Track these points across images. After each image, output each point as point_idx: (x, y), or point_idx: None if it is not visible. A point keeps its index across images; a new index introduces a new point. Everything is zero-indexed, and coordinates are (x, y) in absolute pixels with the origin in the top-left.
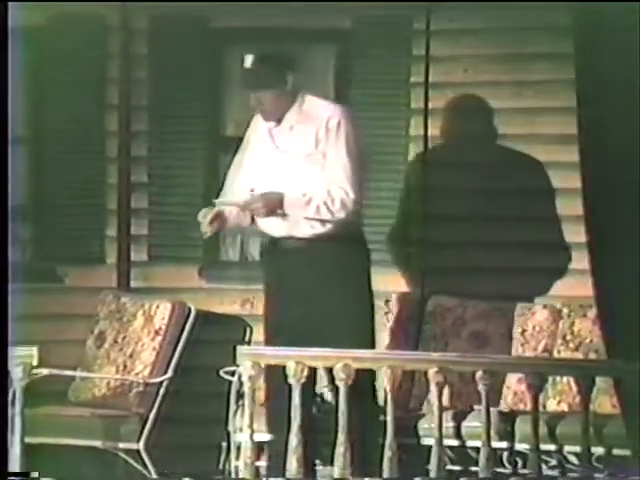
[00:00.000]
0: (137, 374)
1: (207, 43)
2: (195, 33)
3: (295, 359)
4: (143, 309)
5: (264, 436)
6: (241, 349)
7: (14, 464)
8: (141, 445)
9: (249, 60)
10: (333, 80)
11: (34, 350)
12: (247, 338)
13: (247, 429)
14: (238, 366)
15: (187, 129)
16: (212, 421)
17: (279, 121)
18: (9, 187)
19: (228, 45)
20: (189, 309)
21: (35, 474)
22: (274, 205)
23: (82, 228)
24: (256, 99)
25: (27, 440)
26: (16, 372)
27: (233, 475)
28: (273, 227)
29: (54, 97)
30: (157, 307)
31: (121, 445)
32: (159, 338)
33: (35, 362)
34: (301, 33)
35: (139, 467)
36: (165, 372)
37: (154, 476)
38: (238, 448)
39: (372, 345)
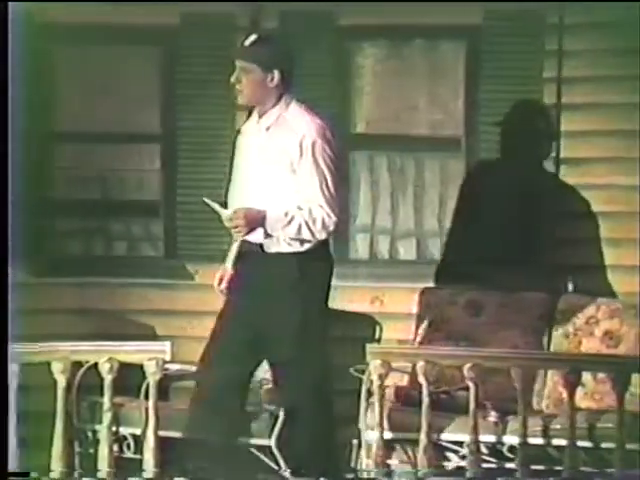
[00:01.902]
0: (267, 371)
1: (335, 40)
2: (323, 30)
3: (425, 358)
4: None
5: (394, 434)
6: (371, 347)
7: (149, 457)
8: (273, 441)
9: (249, 39)
10: (464, 77)
11: (167, 345)
12: (377, 336)
13: (377, 427)
14: (368, 364)
15: None
16: (342, 418)
17: (260, 117)
18: (9, 186)
19: (356, 42)
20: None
21: (35, 474)
22: (256, 223)
23: (209, 226)
24: (236, 76)
25: (161, 434)
26: (149, 366)
27: (365, 474)
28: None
29: (186, 96)
30: None
31: (253, 441)
32: None
33: (168, 357)
34: (430, 29)
35: (271, 463)
36: None
37: (286, 473)
38: (369, 446)
39: (321, 361)
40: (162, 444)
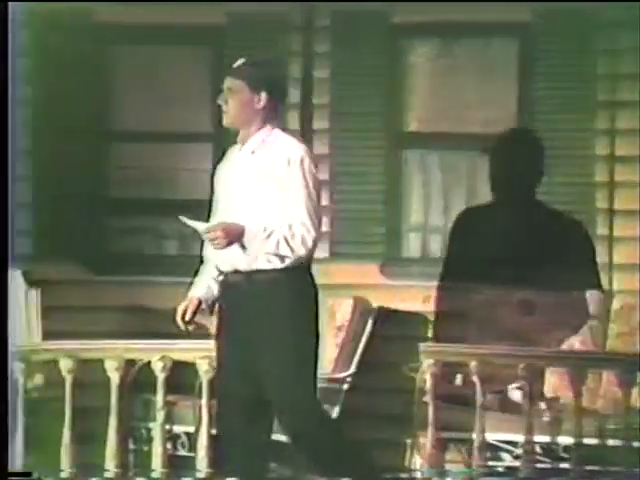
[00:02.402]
0: (321, 370)
1: (387, 39)
2: (375, 29)
3: (478, 357)
4: (325, 306)
5: (447, 434)
6: (424, 346)
7: (202, 455)
8: None
9: (240, 60)
10: (516, 74)
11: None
12: (429, 335)
13: (431, 426)
14: (421, 363)
15: (368, 126)
16: (396, 417)
17: (243, 143)
18: (9, 184)
19: (408, 40)
20: (371, 306)
21: (35, 474)
22: (234, 237)
23: None
24: (224, 96)
25: (214, 432)
26: (202, 365)
27: (418, 473)
28: (230, 261)
29: None
30: (339, 304)
31: None
32: (342, 334)
33: None
34: (482, 26)
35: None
36: (348, 368)
37: None
38: (422, 445)
39: (311, 379)
40: (215, 442)
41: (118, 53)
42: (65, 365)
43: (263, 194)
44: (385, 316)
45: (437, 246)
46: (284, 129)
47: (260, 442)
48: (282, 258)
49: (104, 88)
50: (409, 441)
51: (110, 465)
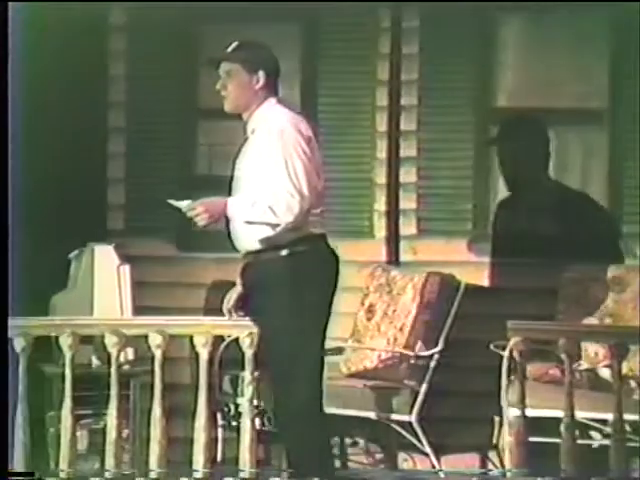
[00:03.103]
0: (407, 347)
1: (476, 12)
2: (464, 2)
3: (567, 334)
4: (413, 282)
5: (536, 412)
6: (511, 323)
7: None
8: (413, 417)
9: (232, 46)
10: (608, 48)
11: None
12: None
13: (519, 404)
14: (509, 340)
15: (456, 102)
16: (483, 395)
17: (247, 123)
18: (9, 183)
19: (497, 13)
20: (458, 282)
21: (36, 474)
22: (216, 211)
23: (351, 202)
24: (222, 82)
25: None
26: None
27: (506, 451)
28: (234, 241)
29: (327, 72)
30: (426, 280)
31: (393, 417)
32: (429, 311)
33: None
34: None
35: (412, 439)
36: (435, 345)
37: (427, 449)
38: (510, 423)
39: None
40: None
41: (208, 31)
42: (154, 340)
43: (254, 170)
44: (472, 293)
45: (525, 221)
46: (284, 101)
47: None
48: (272, 227)
49: (192, 68)
50: (497, 419)
51: (199, 438)
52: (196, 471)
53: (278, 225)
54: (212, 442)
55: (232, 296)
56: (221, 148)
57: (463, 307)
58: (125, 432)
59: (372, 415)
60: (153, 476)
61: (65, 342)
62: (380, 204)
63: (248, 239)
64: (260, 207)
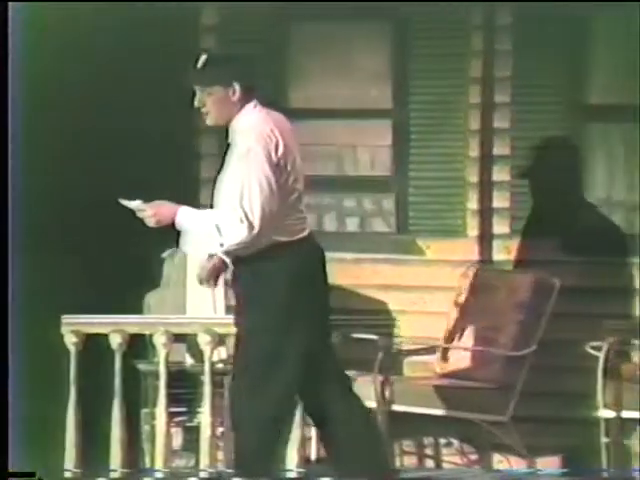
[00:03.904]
0: (501, 347)
1: (568, 9)
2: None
3: None
4: (506, 282)
5: (633, 414)
6: (607, 323)
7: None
8: (506, 417)
9: (200, 60)
10: None
11: (400, 320)
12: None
13: (614, 405)
14: (604, 340)
15: (549, 99)
16: (576, 395)
17: (229, 131)
18: (9, 182)
19: (588, 10)
20: (553, 282)
21: (36, 474)
22: (165, 216)
23: (444, 201)
24: (199, 100)
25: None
26: (381, 340)
27: (603, 452)
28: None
29: (419, 70)
30: (520, 280)
31: (486, 417)
32: (523, 311)
33: (401, 331)
34: None
35: (505, 439)
36: (529, 345)
37: (522, 450)
38: (606, 425)
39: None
40: (395, 418)
41: (298, 30)
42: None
43: (221, 183)
44: (566, 293)
45: (619, 220)
46: (262, 105)
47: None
48: (217, 244)
49: (280, 67)
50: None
51: (293, 438)
52: (290, 470)
53: (222, 244)
54: (305, 441)
55: (206, 266)
56: (313, 148)
57: (557, 307)
58: (219, 430)
59: (465, 415)
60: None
61: (159, 340)
62: (473, 203)
63: (196, 247)
64: (207, 224)
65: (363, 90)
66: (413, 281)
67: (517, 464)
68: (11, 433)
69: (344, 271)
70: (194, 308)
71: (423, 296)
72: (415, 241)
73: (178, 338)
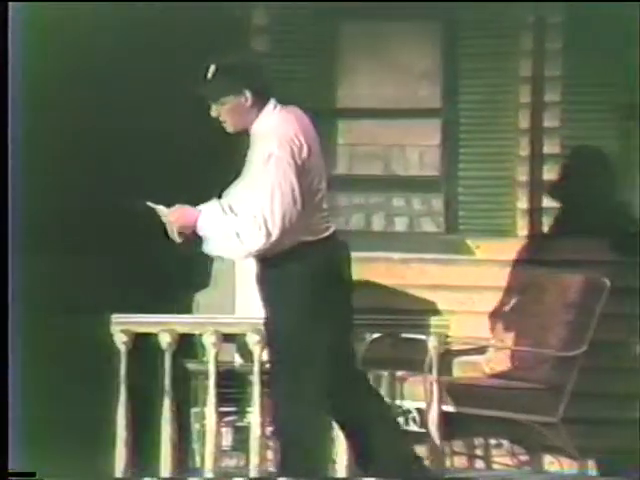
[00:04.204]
0: (551, 347)
1: (618, 7)
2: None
3: None
4: (556, 282)
5: None
6: None
7: (433, 430)
8: (557, 419)
9: (209, 71)
10: None
11: (449, 320)
12: None
13: None
14: None
15: (599, 98)
16: (628, 397)
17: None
18: (9, 183)
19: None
20: (604, 282)
21: (36, 474)
22: (186, 222)
23: (494, 201)
24: (215, 110)
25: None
26: (430, 340)
27: None
28: None
29: (469, 69)
30: (571, 280)
31: (536, 418)
32: (572, 311)
33: (450, 332)
34: None
35: (556, 441)
36: (579, 345)
37: (573, 451)
38: None
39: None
40: (445, 418)
41: (347, 29)
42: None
43: (240, 187)
44: (618, 293)
45: None
46: (281, 104)
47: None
48: (238, 250)
49: (332, 67)
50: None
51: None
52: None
53: (242, 250)
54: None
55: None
56: (362, 148)
57: (607, 307)
58: (269, 429)
59: (515, 416)
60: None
61: (208, 340)
62: (522, 202)
63: (218, 251)
64: (228, 230)
65: (412, 89)
66: (462, 281)
67: (568, 466)
68: (11, 433)
69: (391, 271)
70: (243, 308)
71: (472, 296)
72: (465, 241)
73: (227, 338)
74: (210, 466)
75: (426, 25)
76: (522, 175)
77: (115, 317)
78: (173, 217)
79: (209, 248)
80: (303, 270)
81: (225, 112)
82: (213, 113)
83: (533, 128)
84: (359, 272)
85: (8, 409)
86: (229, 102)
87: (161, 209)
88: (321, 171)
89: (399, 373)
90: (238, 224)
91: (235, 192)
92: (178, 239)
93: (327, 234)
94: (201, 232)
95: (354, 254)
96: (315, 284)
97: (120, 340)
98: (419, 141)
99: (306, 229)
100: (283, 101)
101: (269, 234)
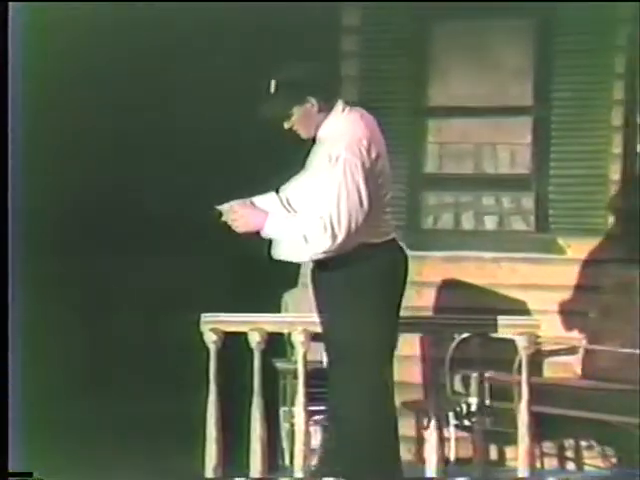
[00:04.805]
0: None
1: None
2: None
3: None
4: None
5: None
6: None
7: (524, 431)
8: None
9: (272, 86)
10: None
11: (539, 320)
12: None
13: None
14: None
15: None
16: None
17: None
18: (9, 183)
19: None
20: None
21: (36, 474)
22: (253, 223)
23: (586, 199)
24: (287, 123)
25: (535, 409)
26: (521, 341)
27: None
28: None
29: (563, 67)
30: None
31: (629, 420)
32: None
33: (540, 332)
34: None
35: None
36: None
37: None
38: None
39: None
40: (535, 419)
41: (439, 28)
42: None
43: (306, 189)
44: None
45: None
46: (349, 105)
47: None
48: (305, 252)
49: (422, 66)
50: None
51: (430, 439)
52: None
53: (309, 251)
54: (443, 442)
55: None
56: (452, 146)
57: None
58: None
59: (607, 417)
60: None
61: (297, 339)
62: (615, 201)
63: (285, 253)
64: (295, 233)
65: (504, 87)
66: (552, 280)
67: None
68: (11, 433)
69: (482, 270)
70: None
71: (563, 296)
72: (556, 240)
73: (316, 336)
74: (299, 465)
75: (519, 22)
76: (614, 173)
77: (204, 316)
78: (237, 214)
79: (275, 252)
80: (368, 271)
81: (296, 122)
82: (286, 126)
83: (626, 125)
84: (449, 271)
85: (8, 409)
86: (296, 112)
87: (229, 205)
88: (387, 174)
89: (488, 373)
90: (304, 226)
91: (298, 193)
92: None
93: (389, 237)
94: (267, 234)
95: (444, 253)
96: (379, 285)
97: (210, 339)
98: (510, 139)
99: (371, 231)
100: (370, 101)
101: (335, 236)
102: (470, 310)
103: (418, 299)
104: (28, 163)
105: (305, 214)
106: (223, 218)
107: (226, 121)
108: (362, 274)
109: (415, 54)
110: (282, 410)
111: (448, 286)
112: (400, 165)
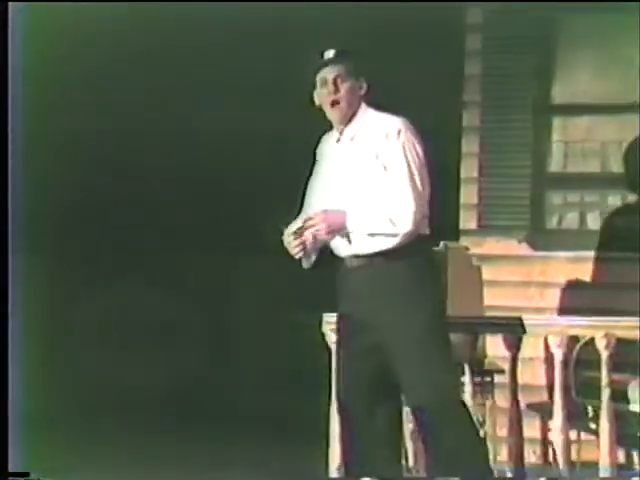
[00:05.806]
0: None
1: None
2: None
3: None
4: None
5: None
6: None
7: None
8: None
9: (331, 52)
10: None
11: None
12: None
13: None
14: None
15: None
16: None
17: (341, 133)
18: (9, 184)
19: None
20: None
21: (35, 474)
22: (337, 224)
23: None
24: (333, 86)
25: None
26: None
27: None
28: (338, 246)
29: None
30: None
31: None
32: None
33: None
34: None
35: None
36: None
37: None
38: None
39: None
40: None
41: (561, 24)
42: None
43: (366, 177)
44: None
45: None
46: (375, 105)
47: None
48: (388, 237)
49: (548, 61)
50: None
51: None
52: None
53: (397, 235)
54: (569, 443)
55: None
56: (577, 145)
57: None
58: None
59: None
60: (509, 475)
61: None
62: None
63: (361, 246)
64: (380, 219)
65: (630, 84)
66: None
67: None
68: (11, 433)
69: (609, 270)
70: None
71: None
72: None
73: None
74: (422, 465)
75: (624, 17)
76: None
77: (326, 316)
78: (324, 223)
79: (361, 247)
80: (427, 264)
81: (345, 92)
82: (330, 89)
83: None
84: (574, 271)
85: (8, 409)
86: (349, 81)
87: (302, 221)
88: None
89: (615, 376)
90: (389, 210)
91: (361, 183)
92: (300, 254)
93: (428, 232)
94: (350, 230)
95: (570, 254)
96: (436, 278)
97: (331, 340)
98: (636, 137)
99: (424, 221)
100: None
101: (417, 210)
102: (596, 311)
103: (540, 300)
104: (28, 163)
105: (381, 198)
106: (304, 225)
107: (228, 121)
108: (424, 267)
109: (538, 51)
110: (405, 410)
111: (573, 286)
112: (524, 164)
